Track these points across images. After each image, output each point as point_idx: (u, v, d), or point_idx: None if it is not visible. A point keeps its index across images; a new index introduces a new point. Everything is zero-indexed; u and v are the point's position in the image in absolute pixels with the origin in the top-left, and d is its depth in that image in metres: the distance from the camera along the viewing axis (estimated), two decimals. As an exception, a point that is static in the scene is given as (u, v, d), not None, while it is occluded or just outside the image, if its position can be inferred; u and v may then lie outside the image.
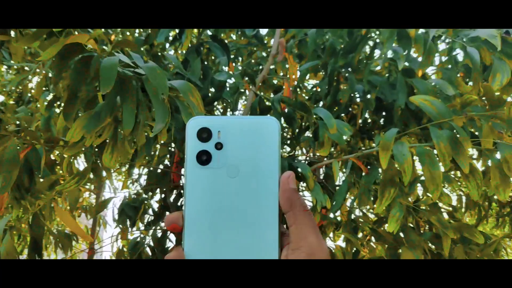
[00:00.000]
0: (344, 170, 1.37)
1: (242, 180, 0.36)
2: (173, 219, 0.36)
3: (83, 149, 0.86)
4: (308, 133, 1.45)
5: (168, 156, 1.55)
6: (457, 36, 1.23)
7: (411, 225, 1.29)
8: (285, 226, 0.37)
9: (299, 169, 1.13)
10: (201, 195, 0.36)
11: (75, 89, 0.67)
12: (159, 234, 1.41)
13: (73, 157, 1.06)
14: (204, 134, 0.37)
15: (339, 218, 1.40)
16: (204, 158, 0.36)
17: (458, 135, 1.05)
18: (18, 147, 0.83)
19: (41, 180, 1.03)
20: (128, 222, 1.47)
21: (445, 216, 1.41)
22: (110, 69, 0.65)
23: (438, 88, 1.22)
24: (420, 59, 1.36)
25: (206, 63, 1.48)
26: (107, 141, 0.77)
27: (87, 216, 1.75)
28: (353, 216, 1.35)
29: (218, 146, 0.37)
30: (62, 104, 0.74)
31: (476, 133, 1.24)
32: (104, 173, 1.06)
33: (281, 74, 1.73)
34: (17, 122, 1.22)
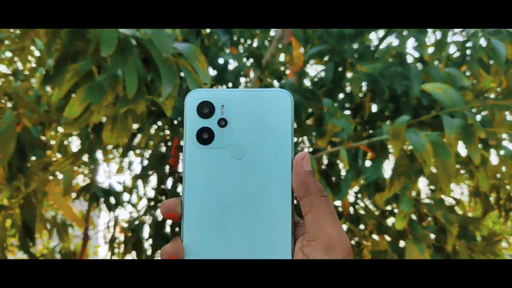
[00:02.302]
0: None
1: (249, 162, 0.31)
2: (170, 206, 0.31)
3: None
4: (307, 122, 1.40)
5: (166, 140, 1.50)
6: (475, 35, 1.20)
7: (414, 217, 1.26)
8: (299, 215, 0.33)
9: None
10: (202, 179, 0.31)
11: (66, 53, 0.61)
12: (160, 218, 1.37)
13: (64, 138, 1.01)
14: (205, 109, 0.32)
15: (340, 209, 1.36)
16: (205, 136, 0.31)
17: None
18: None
19: (34, 161, 0.98)
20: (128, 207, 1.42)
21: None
22: (110, 32, 0.60)
23: (452, 77, 1.18)
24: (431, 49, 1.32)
25: (206, 43, 1.42)
26: (105, 119, 0.72)
27: (79, 199, 1.70)
28: (356, 208, 1.32)
29: (222, 122, 0.32)
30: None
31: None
32: (99, 155, 1.01)
33: (286, 60, 1.68)
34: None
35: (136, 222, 1.44)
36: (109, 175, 1.78)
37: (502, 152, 1.09)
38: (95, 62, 0.66)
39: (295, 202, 0.31)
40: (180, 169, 1.43)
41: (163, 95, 0.62)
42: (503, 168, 1.12)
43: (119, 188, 1.48)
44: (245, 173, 0.31)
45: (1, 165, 0.72)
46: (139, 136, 1.25)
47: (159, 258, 0.30)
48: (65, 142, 1.00)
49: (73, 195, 1.64)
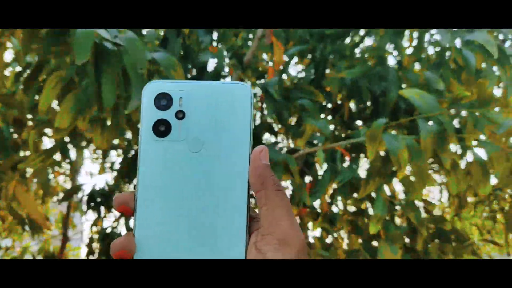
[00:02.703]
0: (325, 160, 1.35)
1: (206, 155, 0.30)
2: (123, 200, 0.30)
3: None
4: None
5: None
6: (452, 36, 1.23)
7: (387, 218, 1.29)
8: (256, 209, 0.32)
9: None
10: (157, 171, 0.30)
11: (44, 58, 0.60)
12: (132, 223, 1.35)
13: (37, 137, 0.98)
14: (163, 101, 0.31)
15: (319, 210, 1.38)
16: (162, 128, 0.31)
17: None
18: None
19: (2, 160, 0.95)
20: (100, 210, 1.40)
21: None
22: (85, 38, 0.58)
23: (428, 81, 1.21)
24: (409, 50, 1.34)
25: (186, 42, 1.41)
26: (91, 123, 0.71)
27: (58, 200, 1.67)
28: (332, 208, 1.34)
29: (180, 115, 0.31)
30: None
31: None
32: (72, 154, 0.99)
33: (266, 58, 1.67)
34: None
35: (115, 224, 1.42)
36: (90, 175, 1.76)
37: (470, 158, 1.12)
38: (76, 69, 0.65)
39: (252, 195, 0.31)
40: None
41: (128, 107, 0.61)
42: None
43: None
44: (202, 166, 0.30)
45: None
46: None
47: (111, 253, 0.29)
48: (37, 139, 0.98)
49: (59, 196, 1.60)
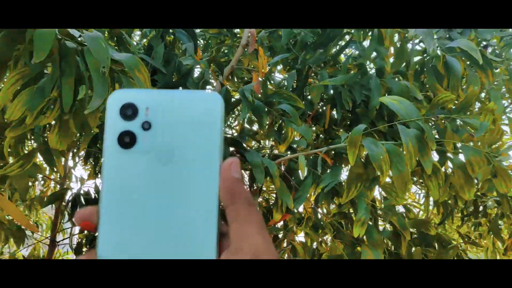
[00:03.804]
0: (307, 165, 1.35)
1: (174, 168, 0.29)
2: (85, 215, 0.28)
3: (31, 130, 0.78)
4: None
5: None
6: (438, 42, 1.26)
7: (370, 223, 1.29)
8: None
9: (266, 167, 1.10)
10: (122, 185, 0.28)
11: (2, 57, 0.59)
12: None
13: (16, 143, 0.97)
14: (128, 111, 0.29)
15: (302, 214, 1.38)
16: (127, 140, 0.29)
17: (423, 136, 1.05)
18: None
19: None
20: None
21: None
22: (46, 35, 0.57)
23: (408, 89, 1.23)
24: (391, 59, 1.36)
25: (171, 50, 1.41)
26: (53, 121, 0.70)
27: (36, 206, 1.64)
28: (315, 214, 1.34)
29: (146, 125, 0.29)
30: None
31: (437, 136, 1.26)
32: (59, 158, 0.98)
33: (251, 66, 1.69)
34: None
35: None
36: (81, 181, 1.74)
37: (450, 164, 1.14)
38: (43, 66, 0.65)
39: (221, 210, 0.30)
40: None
41: (90, 107, 0.60)
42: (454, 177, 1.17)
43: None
44: (169, 179, 0.29)
45: None
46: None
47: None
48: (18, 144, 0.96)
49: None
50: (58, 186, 1.92)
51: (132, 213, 0.28)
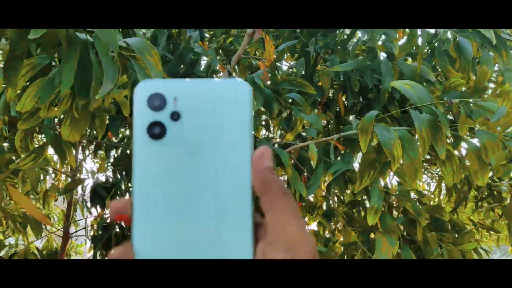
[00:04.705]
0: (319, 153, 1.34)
1: (204, 158, 0.29)
2: (120, 208, 0.28)
3: (41, 122, 0.77)
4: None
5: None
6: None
7: (383, 209, 1.28)
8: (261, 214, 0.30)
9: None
10: (154, 176, 0.28)
11: (15, 47, 0.58)
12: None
13: (27, 136, 0.97)
14: (156, 102, 0.29)
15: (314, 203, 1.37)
16: (156, 131, 0.29)
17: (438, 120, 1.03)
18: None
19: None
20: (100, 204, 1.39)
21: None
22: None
23: (420, 72, 1.20)
24: (401, 42, 1.33)
25: (176, 40, 1.40)
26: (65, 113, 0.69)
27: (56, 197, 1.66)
28: (328, 202, 1.33)
29: (175, 116, 0.29)
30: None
31: (451, 117, 1.24)
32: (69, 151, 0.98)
33: (257, 54, 1.67)
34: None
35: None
36: (92, 174, 1.75)
37: (465, 146, 1.11)
38: (51, 58, 0.64)
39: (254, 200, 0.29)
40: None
41: (100, 92, 0.59)
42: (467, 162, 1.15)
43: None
44: (200, 170, 0.28)
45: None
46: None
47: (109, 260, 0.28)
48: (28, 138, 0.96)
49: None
50: (69, 179, 1.94)
51: (165, 205, 0.28)
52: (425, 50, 1.39)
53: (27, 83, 0.66)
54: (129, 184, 1.47)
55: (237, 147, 0.29)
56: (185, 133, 0.29)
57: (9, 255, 1.21)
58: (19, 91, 0.69)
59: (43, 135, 1.16)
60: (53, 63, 0.73)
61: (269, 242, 0.27)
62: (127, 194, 1.47)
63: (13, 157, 0.95)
